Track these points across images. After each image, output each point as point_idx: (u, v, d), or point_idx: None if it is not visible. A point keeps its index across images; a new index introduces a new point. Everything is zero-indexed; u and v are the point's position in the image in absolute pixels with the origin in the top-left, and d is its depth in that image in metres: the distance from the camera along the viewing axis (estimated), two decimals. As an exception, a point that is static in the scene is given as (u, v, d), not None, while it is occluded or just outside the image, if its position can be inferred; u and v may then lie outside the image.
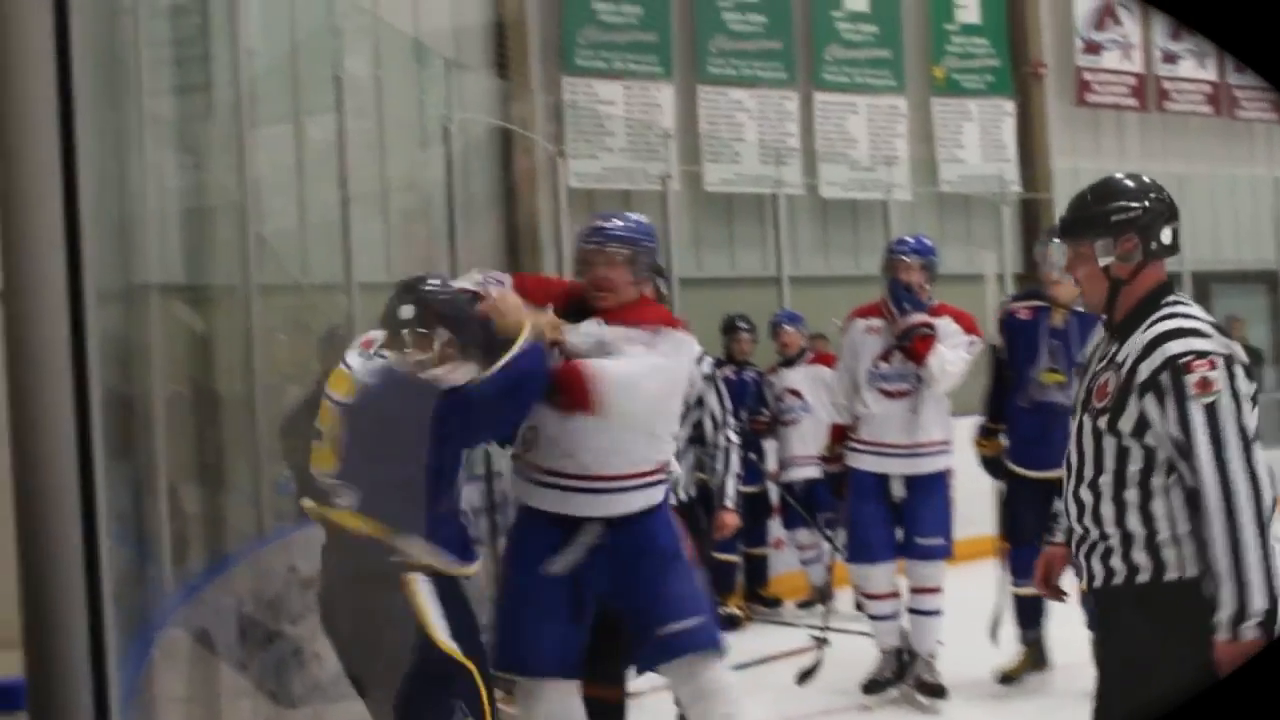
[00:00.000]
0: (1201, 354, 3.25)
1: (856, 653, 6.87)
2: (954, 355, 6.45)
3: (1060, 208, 13.86)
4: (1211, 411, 3.20)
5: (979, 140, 13.67)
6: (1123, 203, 3.48)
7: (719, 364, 8.83)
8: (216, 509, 4.23)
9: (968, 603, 6.73)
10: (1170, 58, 14.60)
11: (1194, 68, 14.73)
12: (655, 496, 4.59)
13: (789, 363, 9.07)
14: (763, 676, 7.20)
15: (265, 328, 4.66)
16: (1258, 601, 3.13)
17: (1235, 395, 3.23)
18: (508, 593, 4.59)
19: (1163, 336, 3.31)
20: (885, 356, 6.63)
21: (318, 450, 3.96)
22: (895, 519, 6.68)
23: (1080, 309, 6.01)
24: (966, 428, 6.92)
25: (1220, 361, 3.24)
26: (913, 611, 6.71)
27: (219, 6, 5.00)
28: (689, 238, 11.53)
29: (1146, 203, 3.47)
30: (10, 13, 0.93)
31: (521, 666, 4.38)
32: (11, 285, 0.92)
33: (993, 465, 6.79)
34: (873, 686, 6.69)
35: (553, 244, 9.88)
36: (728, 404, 6.27)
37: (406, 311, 3.99)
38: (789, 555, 9.26)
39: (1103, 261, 3.46)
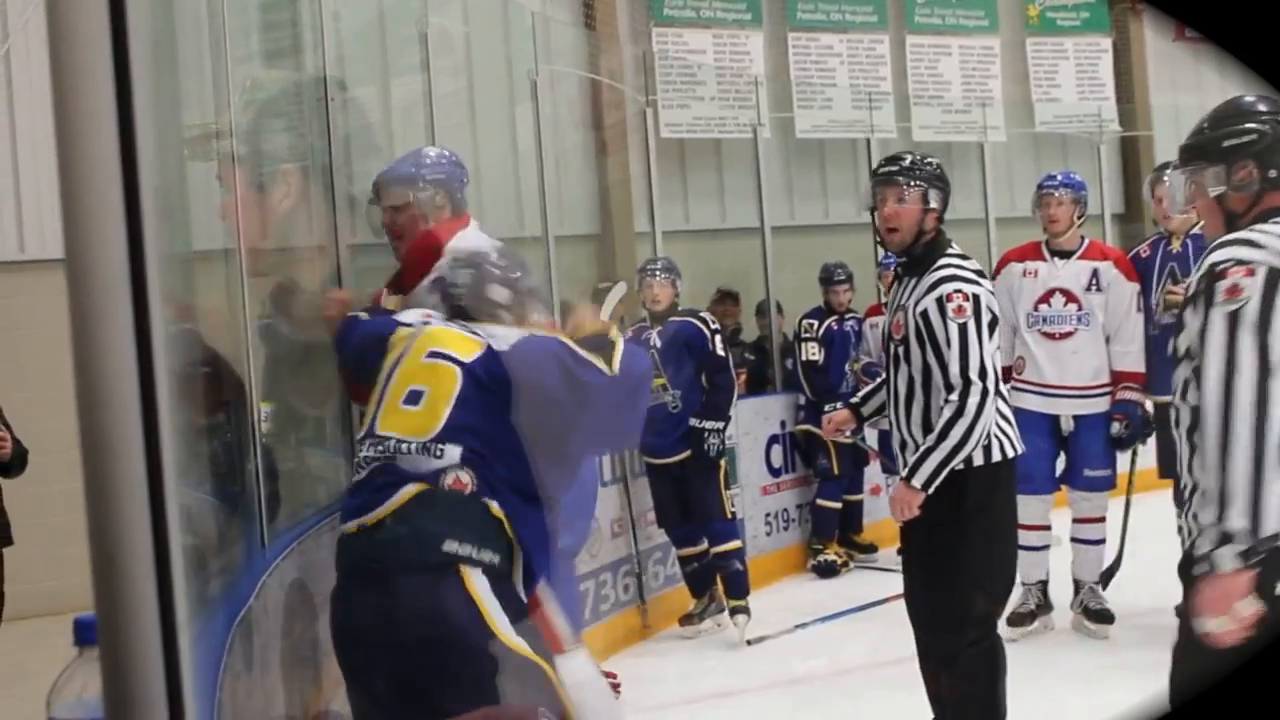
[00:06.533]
0: (1242, 260, 2.94)
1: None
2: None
3: (1160, 145, 13.56)
4: (1234, 319, 2.88)
5: (1075, 78, 13.46)
6: (1237, 127, 3.14)
7: (820, 315, 8.82)
8: (310, 465, 4.32)
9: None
10: (1274, -13, 14.24)
11: (1300, -4, 14.36)
12: None
13: (899, 307, 8.98)
14: (863, 622, 7.23)
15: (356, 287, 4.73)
16: (1235, 520, 2.80)
17: (1270, 309, 2.88)
18: None
19: (1214, 247, 3.03)
20: (1045, 299, 6.68)
21: (409, 413, 3.55)
22: (1058, 452, 6.77)
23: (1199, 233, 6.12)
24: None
25: (1261, 271, 2.90)
26: (1078, 541, 6.81)
27: (306, -31, 5.05)
28: (781, 186, 11.49)
29: (1266, 127, 3.11)
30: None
31: None
32: (72, 254, 0.97)
33: None
34: (1016, 619, 6.71)
35: (644, 196, 9.89)
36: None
37: (498, 293, 3.78)
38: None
39: (1213, 191, 3.15)
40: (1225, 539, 2.82)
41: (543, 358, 3.60)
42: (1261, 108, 3.15)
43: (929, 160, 4.68)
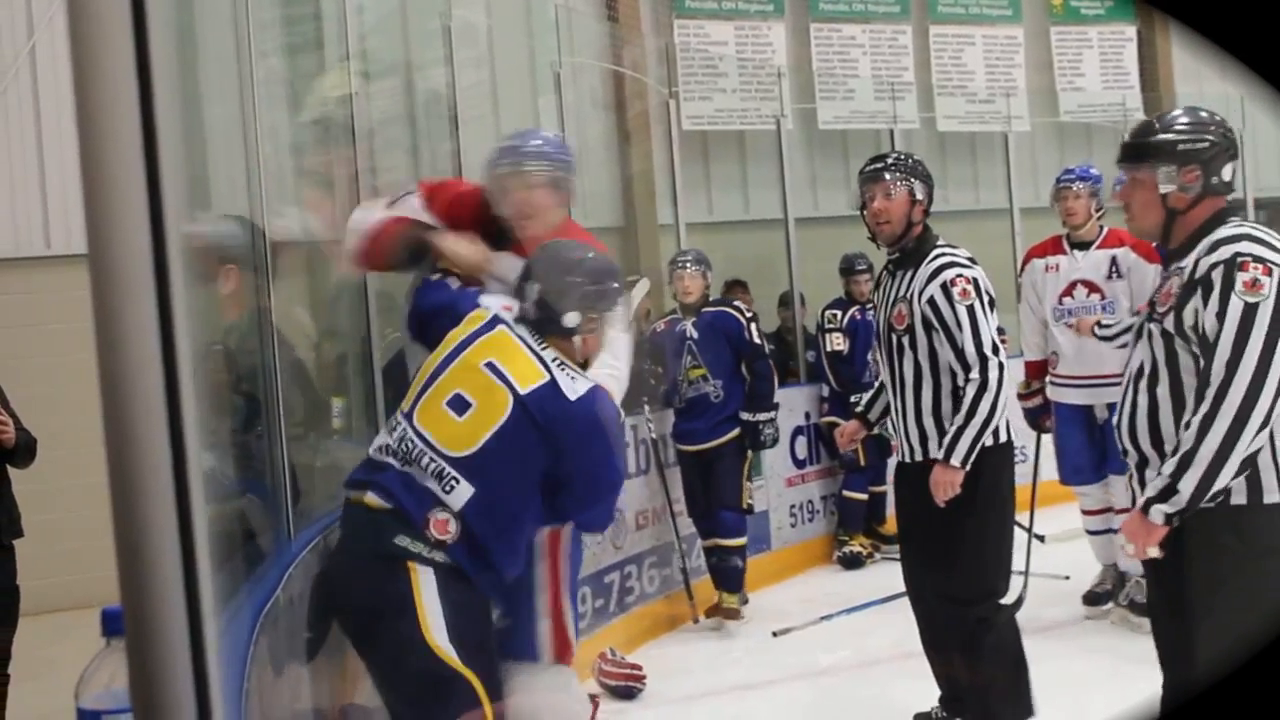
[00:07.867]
0: (1261, 259, 3.18)
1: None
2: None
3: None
4: (1250, 311, 3.14)
5: (1099, 67, 13.39)
6: (1190, 134, 3.43)
7: (842, 305, 8.81)
8: (337, 458, 4.33)
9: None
10: (1300, -26, 14.14)
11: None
12: None
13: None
14: (888, 613, 7.21)
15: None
16: (1186, 484, 3.16)
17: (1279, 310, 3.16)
18: None
19: (1232, 239, 3.25)
20: (1068, 292, 6.75)
21: (450, 420, 3.48)
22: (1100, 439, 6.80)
23: None
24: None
25: (1277, 272, 3.16)
26: (1119, 531, 6.78)
27: (328, -36, 5.06)
28: (804, 177, 11.46)
29: (1212, 137, 3.42)
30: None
31: None
32: (95, 248, 0.97)
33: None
34: (1093, 599, 6.90)
35: (668, 187, 9.88)
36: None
37: (572, 320, 3.66)
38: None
39: (1163, 189, 3.42)
40: (1167, 495, 3.20)
41: (602, 421, 3.57)
42: (1209, 119, 3.47)
43: (912, 156, 4.89)
